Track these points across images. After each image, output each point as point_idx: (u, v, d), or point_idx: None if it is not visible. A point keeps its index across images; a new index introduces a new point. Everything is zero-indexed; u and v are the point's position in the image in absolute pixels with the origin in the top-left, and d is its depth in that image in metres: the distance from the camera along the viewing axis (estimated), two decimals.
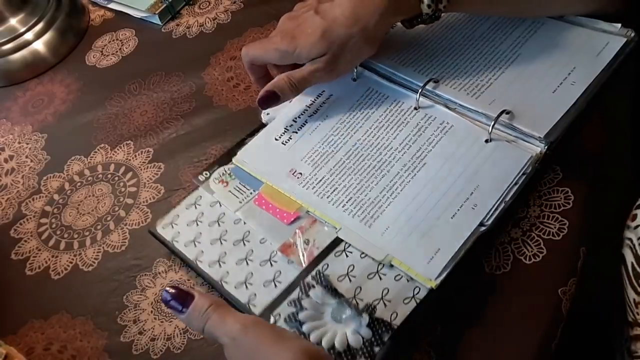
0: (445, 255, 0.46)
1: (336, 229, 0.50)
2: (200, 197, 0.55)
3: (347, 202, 0.51)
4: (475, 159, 0.51)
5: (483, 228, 0.47)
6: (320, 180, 0.53)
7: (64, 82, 0.74)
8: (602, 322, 0.59)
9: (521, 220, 0.50)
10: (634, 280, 0.48)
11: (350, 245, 0.49)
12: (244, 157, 0.57)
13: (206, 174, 0.57)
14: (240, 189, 0.55)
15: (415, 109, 0.56)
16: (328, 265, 0.48)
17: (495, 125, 0.51)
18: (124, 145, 0.65)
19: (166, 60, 0.72)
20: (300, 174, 0.54)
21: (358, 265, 0.48)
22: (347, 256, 0.48)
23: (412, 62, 0.59)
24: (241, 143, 0.59)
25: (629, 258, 0.49)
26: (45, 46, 0.76)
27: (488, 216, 0.47)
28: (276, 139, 0.58)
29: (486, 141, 0.52)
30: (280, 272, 0.49)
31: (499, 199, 0.48)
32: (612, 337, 0.56)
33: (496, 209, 0.48)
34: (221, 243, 0.52)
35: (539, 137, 0.50)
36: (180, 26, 0.75)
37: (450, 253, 0.46)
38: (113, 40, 0.77)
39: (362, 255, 0.48)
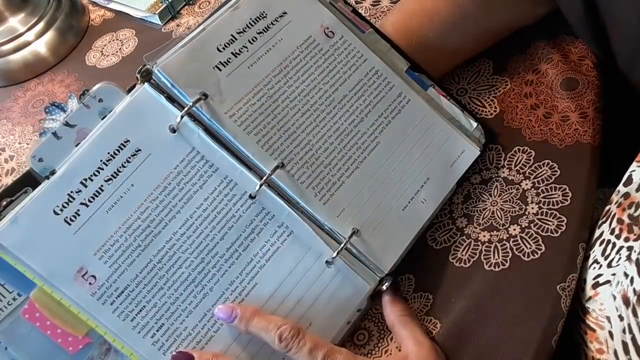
0: None
1: None
2: None
3: (157, 331, 0.41)
4: (313, 285, 0.44)
5: None
6: (122, 292, 0.40)
7: (64, 82, 0.74)
8: None
9: (519, 218, 0.50)
10: None
11: None
12: (3, 240, 0.39)
13: None
14: None
15: (252, 197, 0.44)
16: None
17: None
18: None
19: None
20: (93, 277, 0.40)
21: None
22: None
23: (255, 123, 0.46)
24: None
25: None
26: (45, 46, 0.76)
27: None
28: (56, 212, 0.40)
29: (327, 262, 0.45)
30: None
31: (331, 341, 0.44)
32: None
33: None
34: None
35: (382, 271, 0.46)
36: (181, 26, 0.75)
37: None
38: (113, 40, 0.77)
39: None
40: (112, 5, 0.80)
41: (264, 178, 0.44)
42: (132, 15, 0.78)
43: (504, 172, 0.53)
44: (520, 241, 0.49)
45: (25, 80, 0.76)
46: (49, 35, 0.76)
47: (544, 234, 0.49)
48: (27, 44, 0.75)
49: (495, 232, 0.50)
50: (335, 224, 0.46)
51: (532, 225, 0.49)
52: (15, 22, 0.75)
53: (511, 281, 0.47)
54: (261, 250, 0.44)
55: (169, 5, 0.76)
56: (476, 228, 0.50)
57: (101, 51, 0.76)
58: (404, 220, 0.47)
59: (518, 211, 0.50)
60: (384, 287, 0.46)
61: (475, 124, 0.52)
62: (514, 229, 0.50)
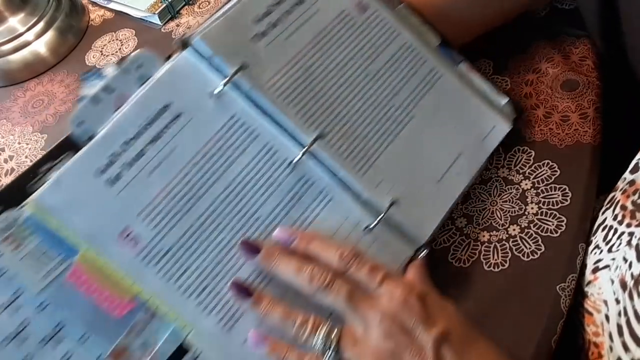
0: None
1: (185, 331, 0.39)
2: None
3: (202, 292, 0.40)
4: None
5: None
6: (166, 253, 0.40)
7: (64, 82, 0.74)
8: None
9: (519, 218, 0.50)
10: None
11: (202, 352, 0.39)
12: (46, 202, 0.39)
13: None
14: (43, 255, 0.37)
15: (292, 165, 0.45)
16: None
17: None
18: None
19: None
20: (137, 238, 0.40)
21: None
22: None
23: (294, 94, 0.46)
24: (34, 173, 0.40)
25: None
26: (45, 46, 0.76)
27: None
28: (98, 174, 0.40)
29: (367, 228, 0.45)
30: None
31: None
32: None
33: None
34: (19, 343, 0.37)
35: (419, 242, 0.46)
36: (180, 26, 0.75)
37: None
38: (113, 40, 0.77)
39: None
40: (112, 5, 0.80)
41: (306, 147, 0.45)
42: (132, 15, 0.78)
43: (503, 172, 0.53)
44: (519, 241, 0.49)
45: (25, 81, 0.76)
46: (49, 35, 0.76)
47: (543, 234, 0.49)
48: (26, 44, 0.75)
49: (494, 232, 0.50)
50: (374, 194, 0.46)
51: (531, 225, 0.49)
52: (15, 22, 0.75)
53: (511, 281, 0.47)
54: (302, 215, 0.44)
55: (168, 5, 0.76)
56: (475, 228, 0.50)
57: (101, 51, 0.76)
58: (439, 192, 0.48)
59: (518, 211, 0.50)
60: (420, 257, 0.46)
61: (506, 99, 0.52)
62: (514, 229, 0.50)
